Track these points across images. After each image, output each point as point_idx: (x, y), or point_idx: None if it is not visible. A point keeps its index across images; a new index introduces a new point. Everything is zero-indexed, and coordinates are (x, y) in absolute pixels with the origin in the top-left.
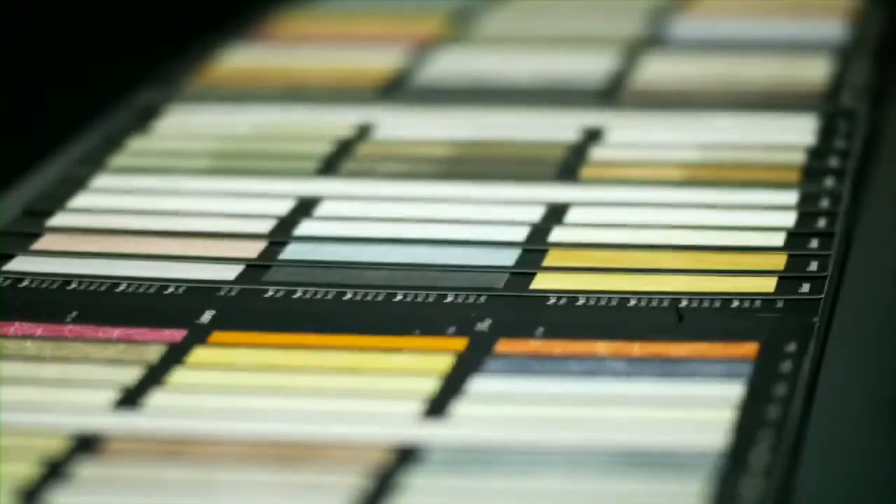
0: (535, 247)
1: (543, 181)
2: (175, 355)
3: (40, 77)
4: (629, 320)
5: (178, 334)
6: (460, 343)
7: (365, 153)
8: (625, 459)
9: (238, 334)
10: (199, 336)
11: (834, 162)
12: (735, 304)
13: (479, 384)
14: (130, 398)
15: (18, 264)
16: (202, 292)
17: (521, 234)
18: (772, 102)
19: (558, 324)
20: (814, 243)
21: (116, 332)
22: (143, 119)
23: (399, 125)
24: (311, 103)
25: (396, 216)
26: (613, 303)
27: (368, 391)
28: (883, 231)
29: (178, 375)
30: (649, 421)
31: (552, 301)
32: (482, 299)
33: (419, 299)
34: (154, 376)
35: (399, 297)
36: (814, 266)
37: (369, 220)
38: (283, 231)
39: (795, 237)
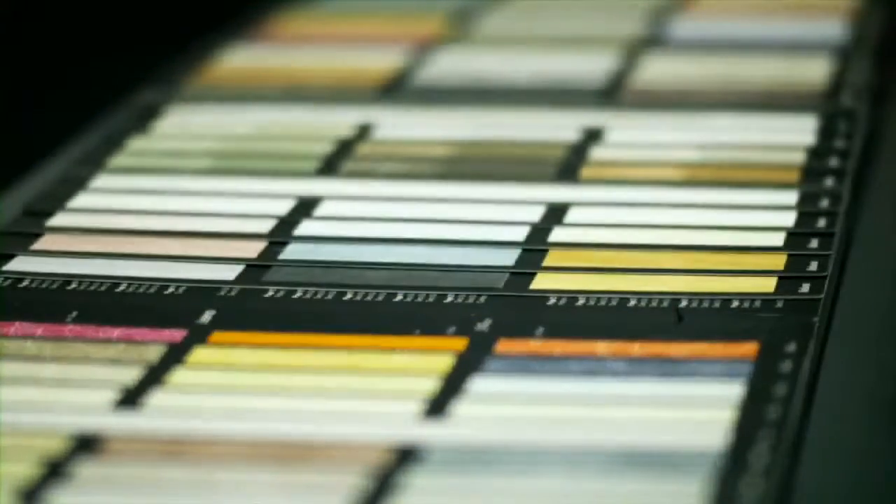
0: (535, 247)
1: (543, 181)
2: (175, 355)
3: (40, 77)
4: (629, 320)
5: (178, 334)
6: (460, 343)
7: (365, 153)
8: (625, 459)
9: (238, 334)
10: (199, 336)
11: (834, 162)
12: (735, 304)
13: (479, 384)
14: (130, 398)
15: (18, 264)
16: (202, 292)
17: (521, 234)
18: (772, 102)
19: (558, 324)
20: (814, 243)
21: (116, 332)
22: (143, 119)
23: (399, 125)
24: (311, 103)
25: (396, 216)
26: (613, 303)
27: (368, 391)
28: (883, 231)
29: (179, 375)
30: (649, 421)
31: (552, 301)
32: (482, 299)
33: (419, 299)
34: (154, 376)
35: (399, 297)
36: (814, 266)
37: (369, 220)
38: (283, 231)
39: (795, 237)
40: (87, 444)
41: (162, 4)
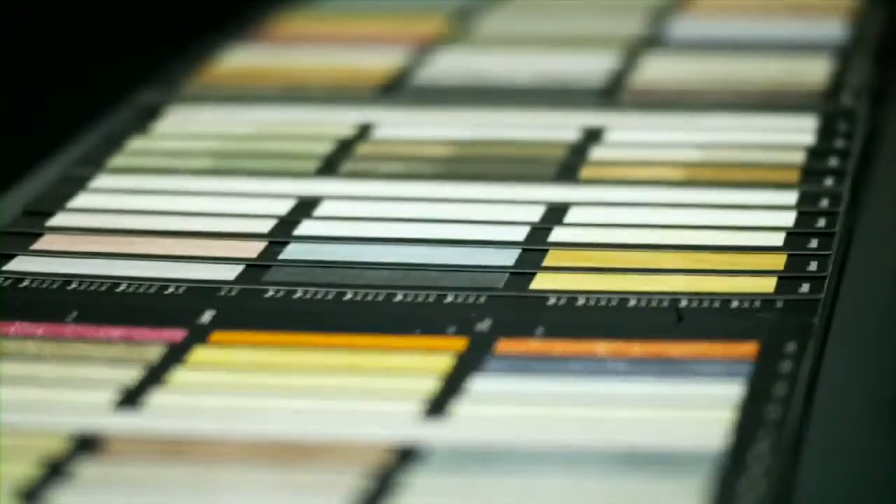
0: (535, 247)
1: (543, 181)
2: (175, 355)
3: (40, 77)
4: (629, 320)
5: (178, 334)
6: (460, 343)
7: (365, 153)
8: (625, 459)
9: (238, 334)
10: (199, 336)
11: (834, 162)
12: (735, 304)
13: (479, 384)
14: (130, 398)
15: (19, 264)
16: (202, 292)
17: (521, 234)
18: (772, 102)
19: (558, 324)
20: (813, 243)
21: (117, 332)
22: (143, 119)
23: (399, 125)
24: (311, 103)
25: (396, 216)
26: (613, 303)
27: (368, 391)
28: (883, 231)
29: (179, 375)
30: (649, 421)
31: (552, 301)
32: (482, 299)
33: (419, 299)
34: (154, 376)
35: (399, 297)
36: (813, 266)
37: (369, 220)
38: (283, 231)
39: (795, 237)
40: (87, 444)
41: (162, 4)
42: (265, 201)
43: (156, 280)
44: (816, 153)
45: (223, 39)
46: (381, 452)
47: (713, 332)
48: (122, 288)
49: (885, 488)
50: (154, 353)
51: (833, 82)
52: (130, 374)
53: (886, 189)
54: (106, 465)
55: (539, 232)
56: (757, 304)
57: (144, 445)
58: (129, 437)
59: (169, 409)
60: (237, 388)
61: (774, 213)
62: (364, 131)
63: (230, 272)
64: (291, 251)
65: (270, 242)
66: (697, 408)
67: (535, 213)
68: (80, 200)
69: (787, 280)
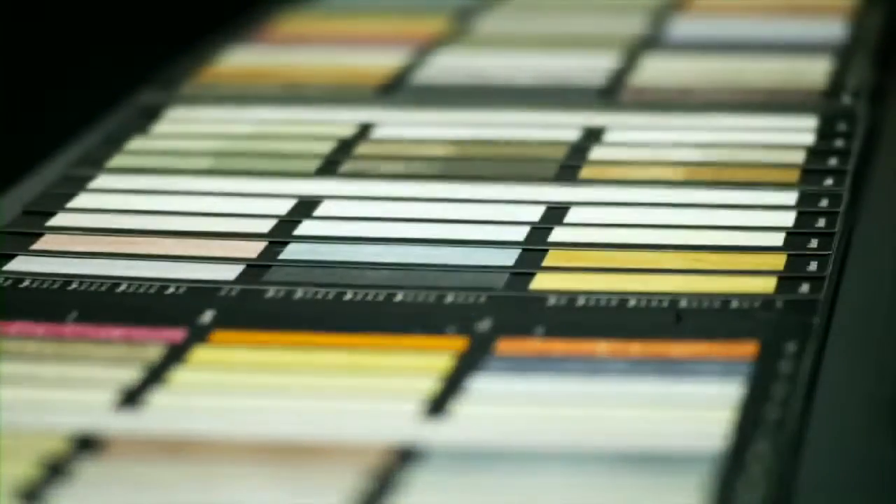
0: (535, 247)
1: (543, 181)
2: (175, 355)
3: (40, 77)
4: (629, 320)
5: (178, 334)
6: (460, 343)
7: (365, 153)
8: (625, 459)
9: (238, 334)
10: (199, 336)
11: (834, 162)
12: (735, 304)
13: (479, 384)
14: (131, 398)
15: (19, 264)
16: (202, 292)
17: (521, 234)
18: (772, 102)
19: (558, 324)
20: (813, 243)
21: (117, 332)
22: (143, 119)
23: (399, 125)
24: (311, 103)
25: (396, 216)
26: (613, 303)
27: (368, 391)
28: (883, 231)
29: (179, 375)
30: (649, 421)
31: (552, 301)
32: (482, 299)
33: (419, 299)
34: (154, 376)
35: (399, 297)
36: (813, 266)
37: (369, 220)
38: (283, 231)
39: (795, 237)
40: (87, 444)
41: (162, 4)
42: (265, 201)
43: (156, 280)
44: (816, 153)
45: (223, 39)
46: (381, 452)
47: (713, 332)
48: (122, 288)
49: (885, 488)
50: (154, 353)
51: (833, 82)
52: (130, 374)
53: (886, 189)
54: (106, 465)
55: (539, 232)
56: (757, 304)
57: (144, 445)
58: (130, 437)
59: (169, 409)
60: (237, 388)
61: (774, 213)
62: (364, 131)
63: (230, 272)
64: (291, 251)
65: (270, 242)
66: (697, 408)
67: (535, 213)
68: (80, 200)
69: (787, 280)
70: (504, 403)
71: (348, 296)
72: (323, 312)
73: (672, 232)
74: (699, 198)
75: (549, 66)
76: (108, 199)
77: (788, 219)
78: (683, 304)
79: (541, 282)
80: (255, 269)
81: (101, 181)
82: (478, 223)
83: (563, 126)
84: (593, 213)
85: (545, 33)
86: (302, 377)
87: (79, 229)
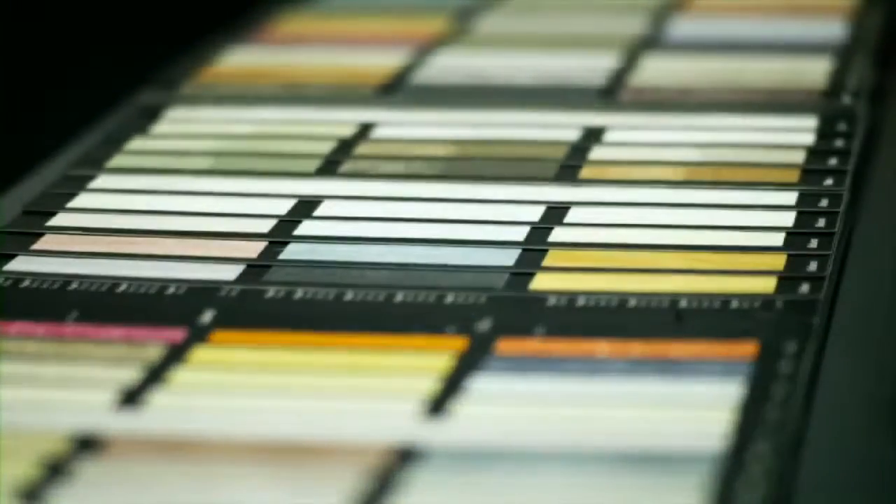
0: (535, 247)
1: (543, 181)
2: (175, 355)
3: (40, 77)
4: (629, 320)
5: (178, 334)
6: (460, 343)
7: (365, 153)
8: (624, 459)
9: (238, 334)
10: (199, 336)
11: (834, 162)
12: (735, 304)
13: (479, 384)
14: (131, 398)
15: (19, 264)
16: (202, 292)
17: (521, 234)
18: (772, 102)
19: (558, 324)
20: (813, 243)
21: (117, 332)
22: (143, 119)
23: (399, 125)
24: (311, 103)
25: (396, 216)
26: (613, 303)
27: (368, 391)
28: (883, 231)
29: (179, 375)
30: (649, 421)
31: (552, 301)
32: (482, 299)
33: (419, 299)
34: (154, 376)
35: (399, 297)
36: (813, 266)
37: (369, 220)
38: (283, 231)
39: (795, 237)
40: (87, 444)
41: (162, 5)
42: (265, 201)
43: (156, 280)
44: (816, 153)
45: (223, 39)
46: (381, 452)
47: (713, 332)
48: (122, 288)
49: (885, 488)
50: (154, 352)
51: (833, 82)
52: (130, 374)
53: (886, 189)
54: (106, 465)
55: (539, 232)
56: (757, 304)
57: (144, 445)
58: (130, 437)
59: (169, 409)
60: (237, 387)
61: (774, 213)
62: (364, 131)
63: (230, 272)
64: (292, 251)
65: (271, 242)
66: (697, 408)
67: (535, 213)
68: (80, 200)
69: (787, 280)
70: (504, 403)
71: (348, 296)
72: (323, 312)
73: (672, 232)
74: (699, 198)
75: (549, 66)
76: (108, 199)
77: (788, 219)
78: (683, 304)
79: (541, 282)
80: (255, 269)
81: (101, 181)
82: (478, 223)
83: (563, 126)
84: (593, 213)
85: (545, 33)
86: (302, 377)
87: (79, 229)
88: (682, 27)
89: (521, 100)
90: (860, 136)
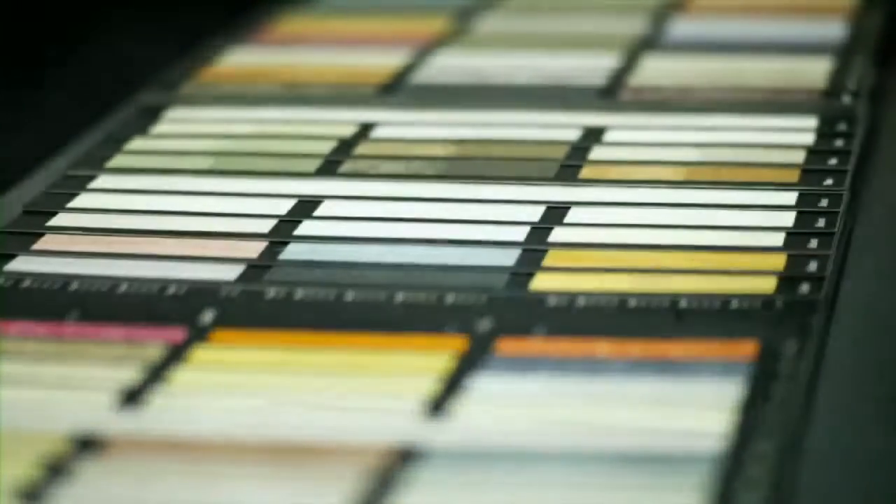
0: (535, 247)
1: (543, 181)
2: (176, 355)
3: (40, 76)
4: (629, 320)
5: (178, 334)
6: (460, 343)
7: (365, 153)
8: (624, 459)
9: (239, 334)
10: (199, 336)
11: (834, 162)
12: (735, 304)
13: (479, 384)
14: (131, 398)
15: (19, 264)
16: (203, 292)
17: (521, 234)
18: (772, 102)
19: (558, 324)
20: (813, 243)
21: (117, 332)
22: (143, 119)
23: (399, 125)
24: (311, 103)
25: (396, 216)
26: (613, 303)
27: (368, 391)
28: (883, 231)
29: (179, 375)
30: (649, 421)
31: (552, 301)
32: (482, 299)
33: (419, 299)
34: (155, 376)
35: (399, 297)
36: (813, 266)
37: (369, 220)
38: (283, 231)
39: (795, 237)
40: (87, 444)
41: (163, 5)
42: (265, 201)
43: (156, 280)
44: (816, 153)
45: (223, 39)
46: (381, 452)
47: (713, 332)
48: (122, 288)
49: (886, 488)
50: (155, 352)
51: (833, 82)
52: (131, 374)
53: (886, 189)
54: (106, 465)
55: (539, 232)
56: (757, 304)
57: (144, 445)
58: (130, 437)
59: (169, 409)
60: (237, 387)
61: (774, 213)
62: (364, 131)
63: (231, 272)
64: (292, 251)
65: (271, 242)
66: (697, 408)
67: (535, 213)
68: (80, 200)
69: (787, 280)
70: (504, 403)
71: (348, 296)
72: (323, 312)
73: (672, 232)
74: (699, 198)
75: (549, 66)
76: (109, 199)
77: (788, 219)
78: (683, 304)
79: (541, 282)
80: (255, 269)
81: (102, 181)
82: (478, 223)
83: (563, 126)
84: (593, 213)
85: (545, 33)
86: (302, 377)
87: (79, 229)
88: (682, 27)
89: (521, 100)
90: (860, 136)
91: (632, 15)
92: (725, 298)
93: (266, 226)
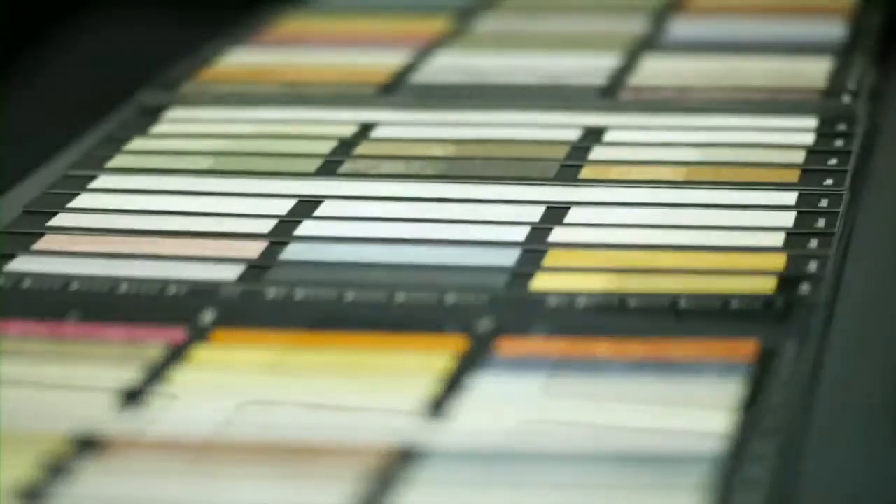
0: (535, 247)
1: (543, 181)
2: (176, 355)
3: (40, 76)
4: (629, 320)
5: (179, 334)
6: (460, 343)
7: (365, 153)
8: (624, 459)
9: (239, 334)
10: (199, 336)
11: (834, 162)
12: (735, 304)
13: (479, 384)
14: (131, 398)
15: (20, 264)
16: (203, 292)
17: (521, 234)
18: (772, 102)
19: (558, 324)
20: (813, 243)
21: (117, 332)
22: (143, 119)
23: (399, 125)
24: (311, 103)
25: (397, 216)
26: (614, 303)
27: (368, 391)
28: (883, 231)
29: (179, 375)
30: (649, 421)
31: (552, 301)
32: (482, 299)
33: (419, 299)
34: (155, 376)
35: (399, 297)
36: (813, 266)
37: (369, 220)
38: (283, 231)
39: (795, 237)
40: (87, 444)
41: (163, 5)
42: (265, 201)
43: (156, 280)
44: (816, 153)
45: (224, 39)
46: (381, 452)
47: (713, 332)
48: (122, 288)
49: (886, 489)
50: (155, 352)
51: (833, 82)
52: (131, 374)
53: (886, 189)
54: (106, 465)
55: (539, 232)
56: (757, 304)
57: (145, 445)
58: (130, 437)
59: (170, 408)
60: (238, 387)
61: (774, 213)
62: (364, 131)
63: (231, 272)
64: (292, 251)
65: (271, 242)
66: (697, 408)
67: (535, 213)
68: (81, 200)
69: (787, 280)
70: (504, 403)
71: (348, 296)
72: (323, 312)
73: (672, 232)
74: (699, 198)
75: (549, 66)
76: (109, 199)
77: (788, 219)
78: (683, 304)
79: (541, 282)
80: (255, 269)
81: (102, 181)
82: (478, 223)
83: (563, 126)
84: (593, 213)
85: (545, 33)
86: (302, 377)
87: (79, 229)
88: (682, 27)
89: (521, 100)
90: (860, 136)
91: (632, 15)
92: (725, 298)
93: (266, 226)
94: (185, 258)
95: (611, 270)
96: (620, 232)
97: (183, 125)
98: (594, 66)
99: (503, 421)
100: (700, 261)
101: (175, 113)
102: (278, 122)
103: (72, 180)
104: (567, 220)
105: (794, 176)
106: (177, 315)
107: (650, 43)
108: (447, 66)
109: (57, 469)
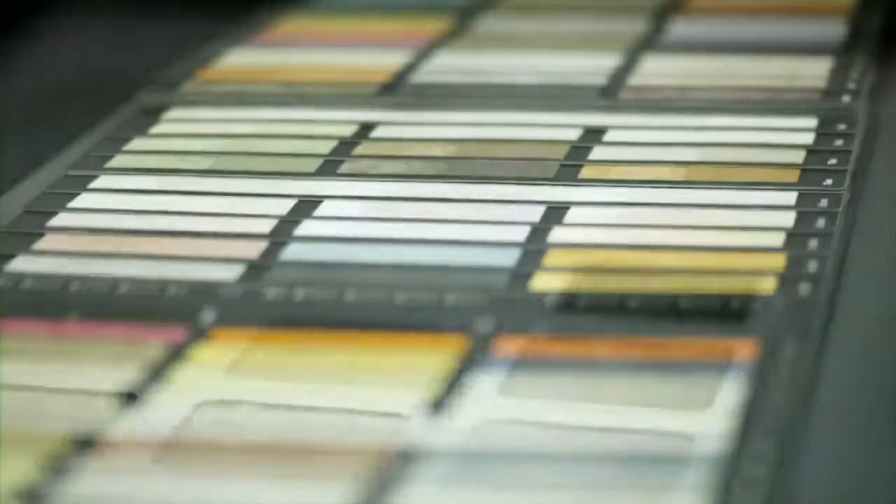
0: (535, 247)
1: (543, 181)
2: (176, 355)
3: (40, 76)
4: (629, 320)
5: (179, 334)
6: (460, 343)
7: (365, 153)
8: (624, 460)
9: (239, 334)
10: (200, 336)
11: (834, 162)
12: (735, 304)
13: (479, 384)
14: (131, 398)
15: (20, 264)
16: (203, 292)
17: (521, 234)
18: (772, 102)
19: (558, 324)
20: (813, 243)
21: (117, 332)
22: (144, 119)
23: (399, 125)
24: (311, 103)
25: (396, 216)
26: (614, 303)
27: (368, 391)
28: (883, 231)
29: (180, 375)
30: (649, 421)
31: (552, 301)
32: (482, 299)
33: (419, 299)
34: (155, 376)
35: (399, 297)
36: (813, 266)
37: (369, 220)
38: (283, 231)
39: (795, 237)
40: (87, 444)
41: (163, 5)
42: (265, 201)
43: (156, 280)
44: (816, 153)
45: (224, 39)
46: (381, 452)
47: (713, 332)
48: (122, 288)
49: (886, 489)
50: (155, 352)
51: (833, 82)
52: (131, 374)
53: (886, 189)
54: (106, 465)
55: (539, 232)
56: (757, 304)
57: (145, 445)
58: (130, 437)
59: (170, 408)
60: (237, 387)
61: (774, 213)
62: (364, 131)
63: (231, 272)
64: (292, 251)
65: (271, 242)
66: (697, 408)
67: (535, 213)
68: (81, 200)
69: (787, 280)
70: (504, 403)
71: (348, 296)
72: (323, 312)
73: (672, 232)
74: (699, 198)
75: (549, 66)
76: (109, 199)
77: (788, 219)
78: (683, 304)
79: (541, 282)
80: (255, 269)
81: (102, 181)
82: (478, 223)
83: (563, 126)
84: (593, 213)
85: (545, 33)
86: (302, 377)
87: (79, 229)
88: (682, 27)
89: (521, 100)
90: (860, 136)
91: (632, 15)
92: (725, 298)
93: (266, 226)
94: (185, 258)
95: (611, 270)
96: (620, 232)
97: (183, 125)
98: (594, 66)
99: (503, 421)
100: (700, 261)
101: (175, 113)
102: (278, 122)
103: (72, 180)
104: (567, 220)
105: (793, 176)
106: (177, 315)
107: (650, 43)
108: (447, 66)
109: (57, 469)
